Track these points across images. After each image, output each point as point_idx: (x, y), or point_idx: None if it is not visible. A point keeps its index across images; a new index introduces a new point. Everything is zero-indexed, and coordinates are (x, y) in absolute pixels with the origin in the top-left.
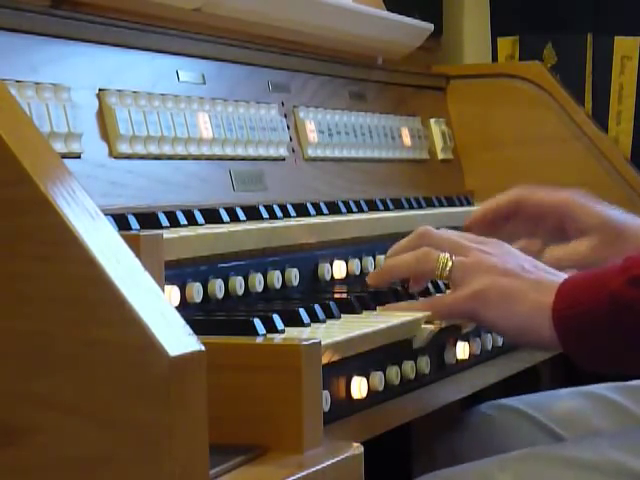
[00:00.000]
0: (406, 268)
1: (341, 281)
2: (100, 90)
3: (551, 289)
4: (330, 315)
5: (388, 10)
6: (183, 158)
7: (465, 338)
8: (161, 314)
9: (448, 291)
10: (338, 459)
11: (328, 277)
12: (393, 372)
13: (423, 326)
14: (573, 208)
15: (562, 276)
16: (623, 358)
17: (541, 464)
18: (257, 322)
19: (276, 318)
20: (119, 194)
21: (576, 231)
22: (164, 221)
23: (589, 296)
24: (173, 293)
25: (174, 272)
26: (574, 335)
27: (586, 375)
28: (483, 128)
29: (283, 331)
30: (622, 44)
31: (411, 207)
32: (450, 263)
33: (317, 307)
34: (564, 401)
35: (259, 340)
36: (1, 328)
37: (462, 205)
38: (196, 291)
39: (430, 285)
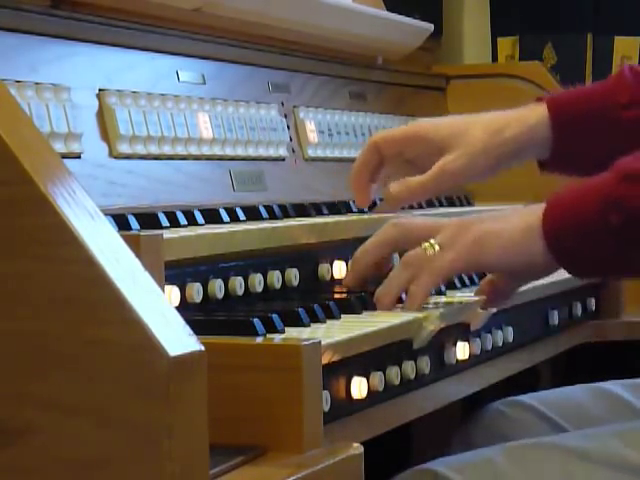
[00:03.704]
0: (401, 284)
1: (341, 281)
2: (100, 90)
3: (537, 209)
4: (330, 315)
5: (388, 10)
6: (183, 158)
7: (465, 338)
8: (161, 314)
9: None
10: (338, 459)
11: (328, 277)
12: (393, 372)
13: (424, 324)
14: (424, 130)
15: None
16: (616, 262)
17: (543, 453)
18: (257, 322)
19: (276, 318)
20: (119, 194)
21: (435, 151)
22: (164, 221)
23: (578, 201)
24: (173, 293)
25: (174, 272)
26: (565, 242)
27: (586, 376)
28: None
29: (283, 331)
30: (622, 44)
31: (411, 207)
32: (436, 246)
33: (317, 307)
34: (574, 398)
35: (259, 340)
36: (1, 328)
37: (462, 205)
38: (196, 291)
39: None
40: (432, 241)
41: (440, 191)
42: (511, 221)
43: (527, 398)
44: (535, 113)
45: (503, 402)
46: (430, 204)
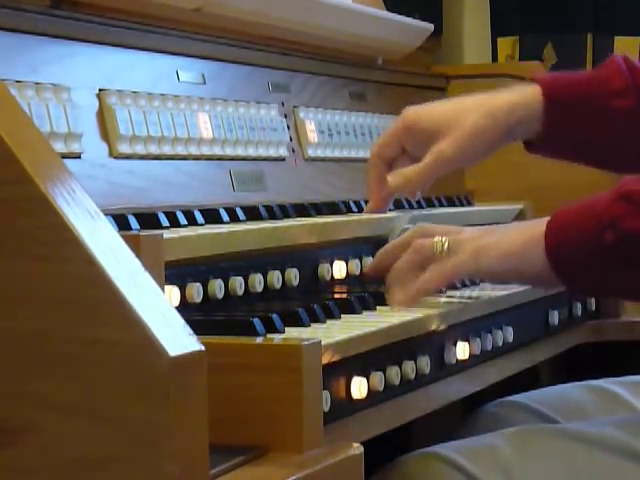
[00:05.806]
0: (409, 266)
1: (341, 281)
2: (100, 90)
3: (541, 224)
4: (330, 315)
5: (388, 10)
6: (183, 158)
7: (465, 338)
8: (161, 314)
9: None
10: (338, 459)
11: (328, 277)
12: (393, 372)
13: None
14: (415, 119)
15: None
16: (613, 280)
17: (544, 437)
18: (257, 322)
19: (276, 318)
20: (119, 194)
21: (432, 139)
22: (164, 221)
23: (579, 219)
24: (173, 293)
25: (174, 272)
26: (564, 260)
27: (586, 376)
28: None
29: (283, 331)
30: (622, 44)
31: (411, 207)
32: (446, 243)
33: (317, 307)
34: (569, 395)
35: (259, 340)
36: (1, 328)
37: (462, 205)
38: (196, 291)
39: None
40: (443, 239)
41: (436, 177)
42: (511, 233)
43: (520, 398)
44: (528, 93)
45: (496, 404)
46: (430, 204)
